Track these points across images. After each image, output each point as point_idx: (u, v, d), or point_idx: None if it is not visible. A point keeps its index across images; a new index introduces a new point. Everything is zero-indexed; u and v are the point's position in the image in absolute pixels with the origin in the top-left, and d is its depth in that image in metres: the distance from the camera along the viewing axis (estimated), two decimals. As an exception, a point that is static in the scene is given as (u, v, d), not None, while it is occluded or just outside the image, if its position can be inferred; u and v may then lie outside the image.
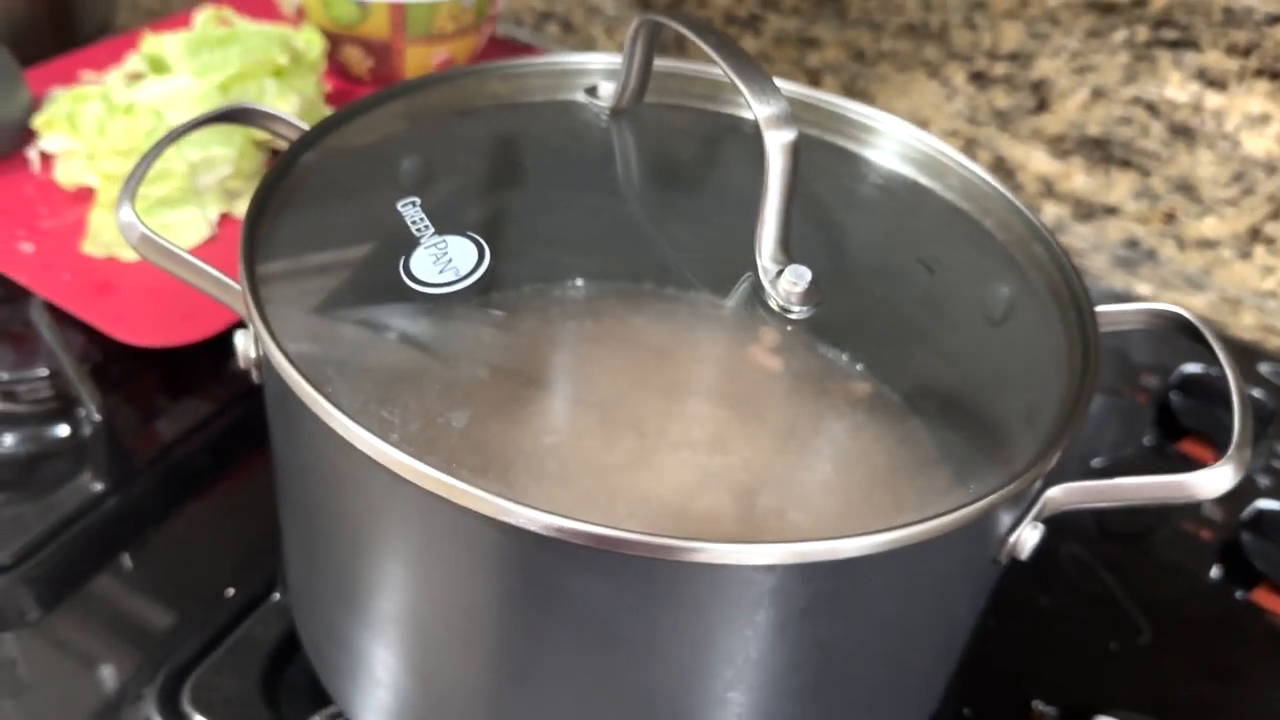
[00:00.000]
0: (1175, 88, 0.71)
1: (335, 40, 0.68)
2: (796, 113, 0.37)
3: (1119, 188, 0.76)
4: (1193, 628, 0.53)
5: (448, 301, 0.33)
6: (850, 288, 0.44)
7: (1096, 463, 0.61)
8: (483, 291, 0.35)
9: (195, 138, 0.56)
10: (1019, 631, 0.51)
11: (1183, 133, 0.72)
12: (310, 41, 0.65)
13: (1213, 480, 0.33)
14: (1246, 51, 0.68)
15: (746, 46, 0.81)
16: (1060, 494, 0.33)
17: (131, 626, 0.47)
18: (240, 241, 0.33)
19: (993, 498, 0.29)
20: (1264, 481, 0.61)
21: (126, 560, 0.49)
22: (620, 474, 0.42)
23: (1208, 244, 0.75)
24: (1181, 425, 0.63)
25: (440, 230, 0.34)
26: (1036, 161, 0.77)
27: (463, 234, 0.34)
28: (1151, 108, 0.72)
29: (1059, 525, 0.56)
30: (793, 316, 0.33)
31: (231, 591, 0.48)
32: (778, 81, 0.39)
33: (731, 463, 0.43)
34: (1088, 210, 0.77)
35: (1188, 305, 0.73)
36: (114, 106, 0.58)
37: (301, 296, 0.33)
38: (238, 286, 0.33)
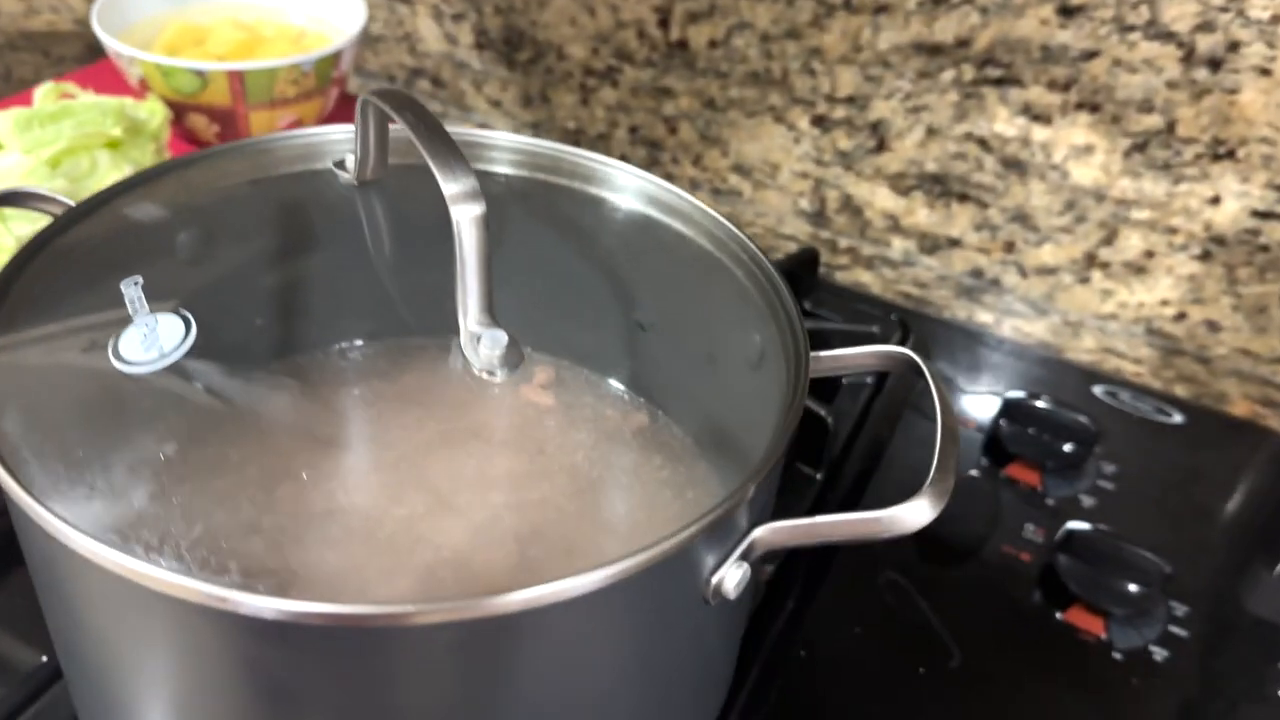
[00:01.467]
0: (1003, 123, 0.73)
1: (179, 109, 0.70)
2: (542, 163, 0.39)
3: (960, 220, 0.78)
4: (1006, 649, 0.55)
5: (151, 378, 0.35)
6: (622, 336, 0.46)
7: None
8: (226, 363, 0.37)
9: (19, 212, 0.58)
10: (828, 661, 0.53)
11: (1014, 165, 0.75)
12: (153, 111, 0.67)
13: (911, 514, 0.34)
14: (1066, 86, 0.71)
15: (605, 97, 0.84)
16: (766, 534, 0.35)
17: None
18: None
19: (675, 540, 0.31)
20: (1088, 502, 0.63)
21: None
22: (400, 535, 0.43)
23: (1048, 270, 0.77)
24: (1008, 451, 0.65)
25: (156, 308, 0.36)
26: (881, 199, 0.80)
27: (174, 311, 0.36)
28: (983, 143, 0.75)
29: (877, 553, 0.58)
30: (496, 379, 0.35)
31: (45, 659, 0.49)
32: (511, 136, 0.42)
33: (517, 515, 0.45)
34: (933, 243, 0.80)
35: (1029, 331, 0.75)
36: (-54, 185, 0.59)
37: (19, 381, 0.35)
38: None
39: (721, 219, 0.43)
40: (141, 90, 0.71)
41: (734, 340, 0.45)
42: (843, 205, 0.81)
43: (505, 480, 0.46)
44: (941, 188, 0.77)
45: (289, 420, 0.44)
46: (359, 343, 0.45)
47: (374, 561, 0.42)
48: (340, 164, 0.42)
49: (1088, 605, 0.57)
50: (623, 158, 0.43)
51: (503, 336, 0.34)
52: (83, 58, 0.93)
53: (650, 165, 0.86)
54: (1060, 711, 0.52)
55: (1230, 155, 0.68)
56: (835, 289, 0.77)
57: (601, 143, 0.88)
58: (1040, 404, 0.67)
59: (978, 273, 0.79)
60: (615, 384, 0.47)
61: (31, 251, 0.38)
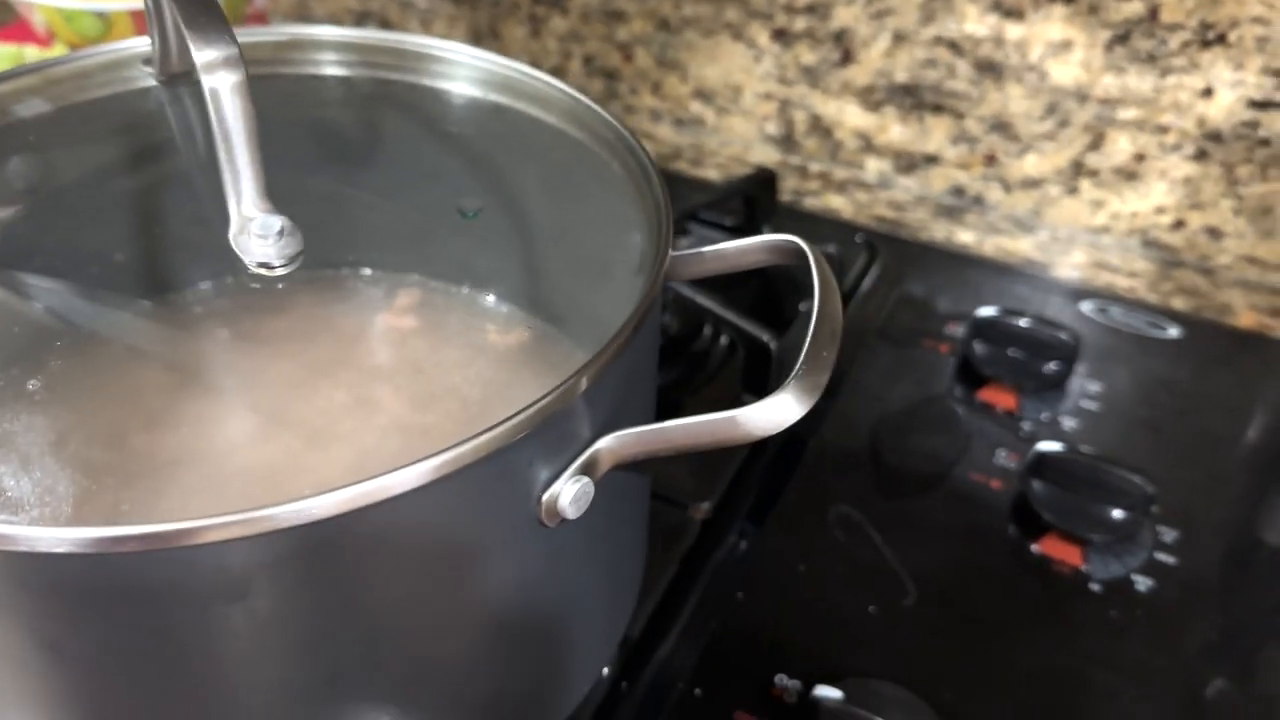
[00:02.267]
0: (974, 22, 0.68)
1: (89, 56, 0.66)
2: (374, 58, 0.35)
3: (935, 134, 0.72)
4: (969, 584, 0.50)
5: None
6: (482, 239, 0.41)
7: (894, 417, 0.58)
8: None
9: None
10: (771, 603, 0.48)
11: (989, 69, 0.69)
12: (59, 59, 0.63)
13: (768, 413, 0.29)
14: (1038, -24, 0.65)
15: (555, 26, 0.79)
16: (612, 443, 0.30)
17: None
18: None
19: (472, 444, 0.26)
20: (1070, 424, 0.58)
21: None
22: (235, 468, 0.39)
23: (1032, 183, 0.71)
24: (982, 374, 0.59)
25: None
26: (851, 116, 0.74)
27: None
28: (954, 46, 0.69)
29: (830, 484, 0.53)
30: (275, 272, 0.30)
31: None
32: (345, 31, 0.37)
33: (381, 444, 0.41)
34: (909, 162, 0.74)
35: (1012, 249, 0.69)
36: None
37: None
38: None
39: (587, 102, 0.38)
40: (48, 39, 0.68)
41: (617, 243, 0.40)
42: (811, 127, 0.76)
43: (382, 410, 0.42)
44: (914, 99, 0.72)
45: (139, 355, 0.40)
46: (219, 279, 0.41)
47: (224, 507, 0.38)
48: (148, 61, 0.38)
49: (1062, 533, 0.52)
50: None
51: (277, 221, 0.29)
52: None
53: (608, 97, 0.81)
54: (1029, 649, 0.47)
55: (1221, 40, 0.62)
56: (800, 214, 0.72)
57: (556, 76, 0.83)
58: (1016, 321, 0.61)
59: (959, 190, 0.74)
60: (497, 300, 0.43)
61: None
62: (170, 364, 0.43)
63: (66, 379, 0.40)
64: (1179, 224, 0.69)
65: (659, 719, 0.43)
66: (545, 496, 0.30)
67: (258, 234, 0.29)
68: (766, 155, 0.78)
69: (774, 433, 0.30)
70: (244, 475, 0.40)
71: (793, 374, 0.30)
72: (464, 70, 0.38)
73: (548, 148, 0.38)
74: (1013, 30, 0.67)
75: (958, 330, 0.63)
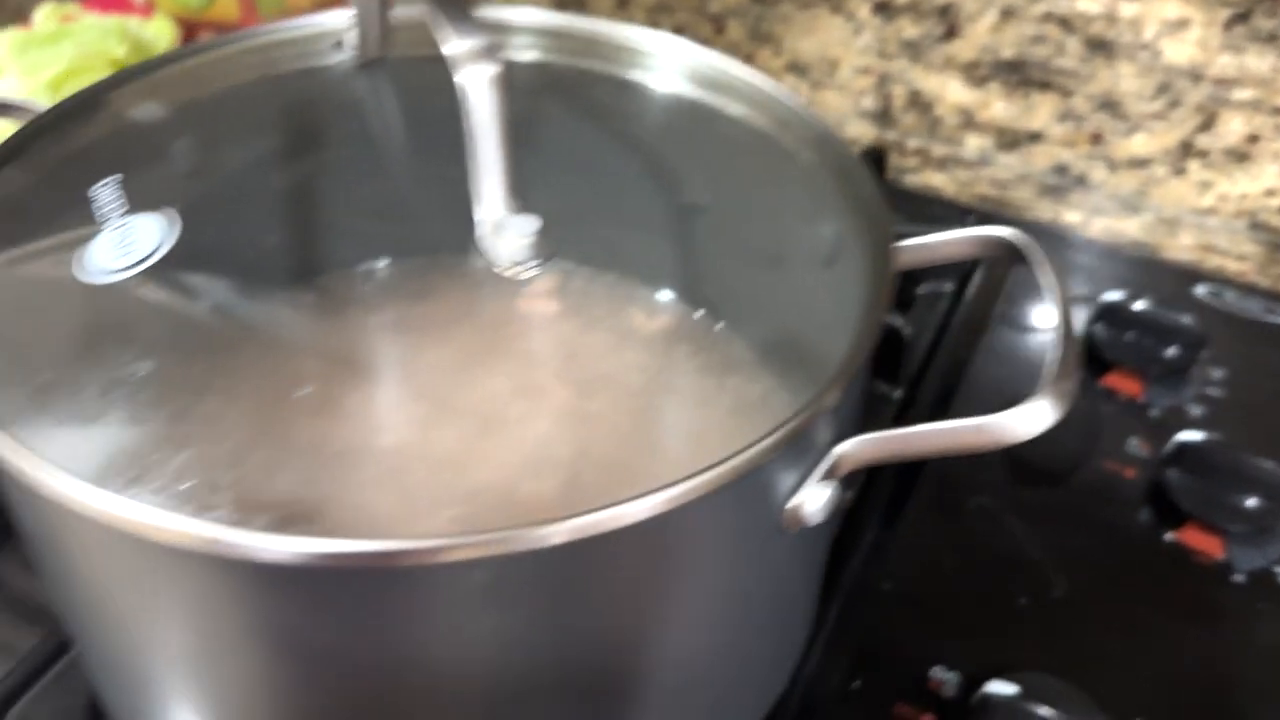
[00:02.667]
0: (1088, 0, 0.66)
1: (189, 27, 0.65)
2: (562, 44, 0.34)
3: (1040, 112, 0.71)
4: (1114, 576, 0.49)
5: (118, 290, 0.30)
6: (671, 236, 0.40)
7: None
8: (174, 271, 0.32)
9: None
10: (920, 595, 0.48)
11: (1100, 46, 0.68)
12: (160, 31, 0.62)
13: (1024, 420, 0.29)
14: (1158, -47, 0.64)
15: (644, -2, 0.77)
16: (853, 448, 0.30)
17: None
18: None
19: (741, 459, 0.26)
20: (1196, 411, 0.57)
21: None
22: (443, 465, 0.39)
23: (1139, 163, 0.70)
24: (1105, 359, 0.59)
25: (135, 210, 0.31)
26: (953, 92, 0.73)
27: (156, 210, 0.31)
28: (1065, 22, 0.68)
29: (966, 475, 0.53)
30: (523, 273, 0.29)
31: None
32: (539, 14, 0.36)
33: (563, 439, 0.40)
34: (1011, 139, 0.73)
35: (1120, 229, 0.68)
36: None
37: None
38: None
39: (787, 95, 0.37)
40: (147, 9, 0.66)
41: (802, 235, 0.39)
42: (910, 102, 0.75)
43: (546, 396, 0.41)
44: (1020, 76, 0.70)
45: (303, 344, 0.39)
46: (380, 263, 0.40)
47: (406, 497, 0.38)
48: (339, 44, 0.37)
49: (1202, 523, 0.51)
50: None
51: (531, 222, 0.28)
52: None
53: (698, 71, 0.79)
54: (1181, 641, 0.46)
55: (1348, 20, 0.61)
56: (904, 193, 0.71)
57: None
58: (1138, 306, 0.60)
59: (1061, 169, 0.73)
60: (666, 291, 0.42)
61: (2, 160, 0.33)
62: (326, 352, 0.42)
63: (228, 372, 0.39)
64: (1290, 206, 0.68)
65: (823, 710, 0.43)
66: (789, 505, 0.29)
67: (515, 233, 0.28)
68: (862, 130, 0.77)
69: (1026, 440, 0.29)
70: (421, 463, 0.39)
71: (1046, 380, 0.29)
72: (640, 57, 0.37)
73: (738, 141, 0.37)
74: (1127, 8, 0.66)
75: (1072, 314, 0.62)
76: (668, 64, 0.38)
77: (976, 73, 0.72)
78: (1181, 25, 0.65)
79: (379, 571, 0.25)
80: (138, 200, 0.31)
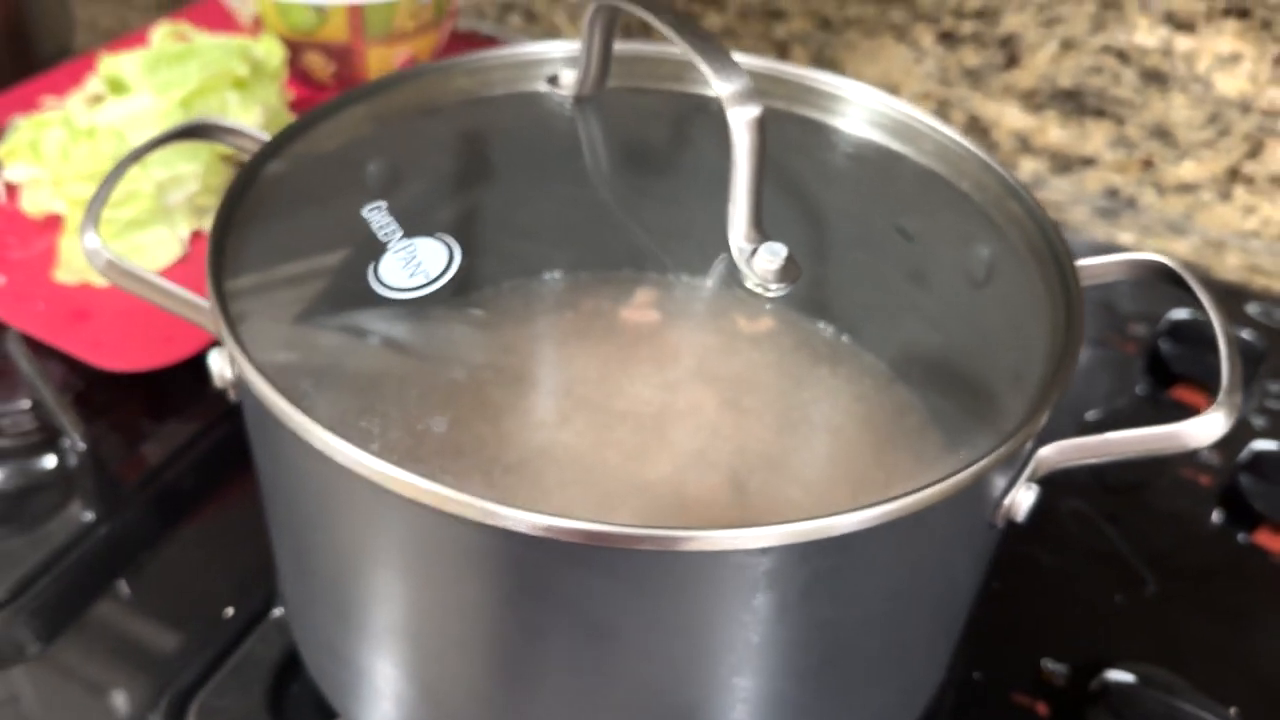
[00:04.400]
0: (1144, 33, 0.70)
1: (296, 48, 0.67)
2: (761, 87, 0.36)
3: (1094, 138, 0.75)
4: (1197, 574, 0.53)
5: (423, 304, 0.33)
6: (831, 260, 0.43)
7: (1090, 416, 0.61)
8: (458, 292, 0.35)
9: (159, 156, 0.56)
10: (1024, 592, 0.51)
11: (1154, 78, 0.72)
12: (270, 50, 0.65)
13: (1205, 428, 0.32)
14: (1213, -9, 0.68)
15: (711, 22, 0.81)
16: (1053, 453, 0.33)
17: (133, 652, 0.46)
18: (206, 259, 0.33)
19: (984, 462, 0.29)
20: (1259, 422, 0.61)
21: (123, 587, 0.49)
22: (614, 466, 0.42)
23: (1187, 188, 0.74)
24: (1173, 372, 0.63)
25: (408, 233, 0.34)
26: (1010, 118, 0.77)
27: (431, 235, 0.34)
28: (1122, 55, 0.72)
29: (1058, 482, 0.56)
30: (771, 294, 0.33)
31: (231, 611, 0.48)
32: (740, 57, 0.39)
33: (724, 445, 0.43)
34: (1065, 163, 0.77)
35: (1170, 251, 0.72)
36: (76, 131, 0.57)
37: (274, 310, 0.33)
38: (207, 305, 0.32)
39: (945, 127, 0.40)
40: (256, 30, 0.69)
41: (949, 255, 0.42)
42: (969, 126, 0.78)
43: (694, 403, 0.44)
44: (1075, 104, 0.75)
45: (474, 353, 0.42)
46: (556, 274, 0.43)
47: (588, 493, 0.41)
48: (554, 79, 0.40)
49: (1275, 525, 0.55)
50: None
51: (781, 249, 0.32)
52: (164, 4, 0.91)
53: (761, 93, 0.83)
54: (1263, 635, 0.50)
55: (1392, 58, 0.65)
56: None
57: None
58: (1203, 322, 0.64)
59: (1112, 192, 0.77)
60: (796, 307, 0.45)
61: (244, 184, 0.36)
62: (487, 362, 0.45)
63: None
64: (1329, 230, 0.72)
65: (949, 697, 0.46)
66: (1005, 504, 0.32)
67: (765, 257, 0.31)
68: (919, 153, 0.80)
69: (1206, 445, 0.33)
70: (598, 463, 0.42)
71: (1222, 393, 0.33)
72: (858, 110, 0.41)
73: (926, 191, 0.40)
74: (1182, 42, 0.70)
75: (1139, 329, 0.66)
76: (858, 108, 0.41)
77: (1034, 100, 0.76)
78: (1234, 60, 0.69)
79: (663, 555, 0.28)
80: (395, 216, 0.34)
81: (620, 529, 0.27)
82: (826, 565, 0.30)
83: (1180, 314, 0.65)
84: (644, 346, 0.44)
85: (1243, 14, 0.68)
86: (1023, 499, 0.32)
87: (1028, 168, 0.78)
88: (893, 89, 0.78)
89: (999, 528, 0.33)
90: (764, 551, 0.28)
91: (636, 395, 0.43)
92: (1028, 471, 0.33)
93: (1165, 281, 0.38)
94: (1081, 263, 0.38)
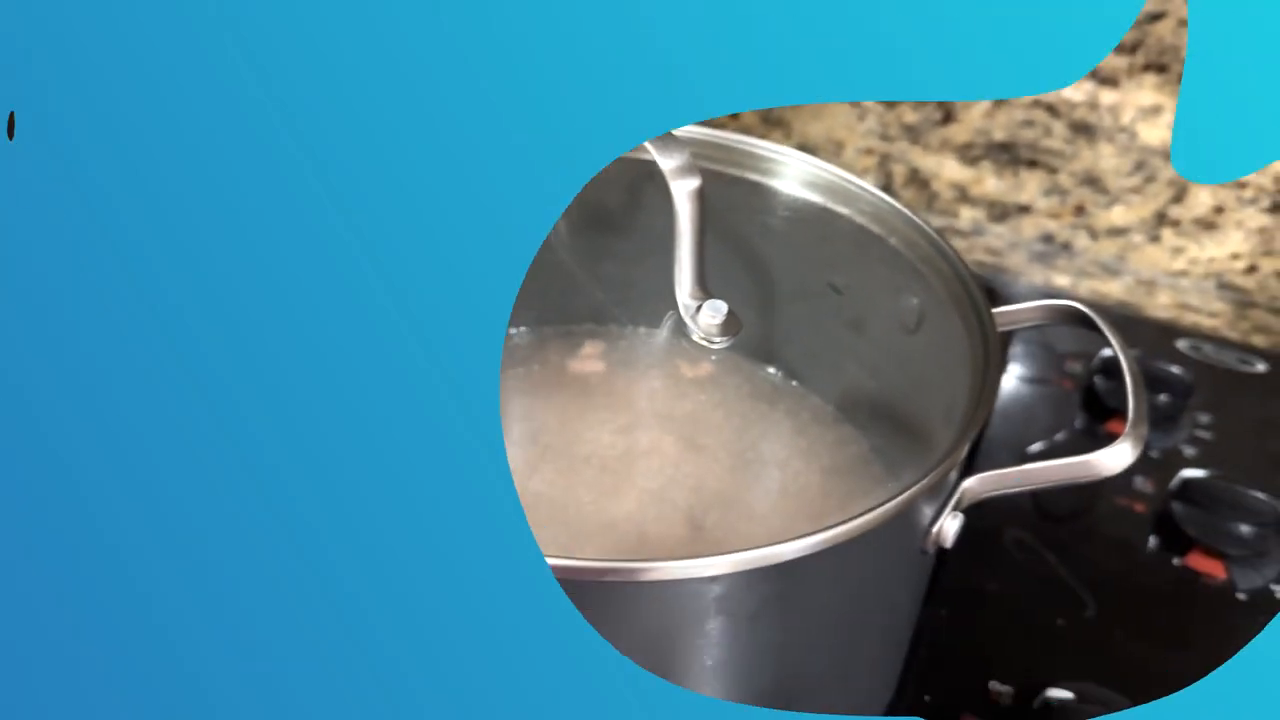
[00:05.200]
0: (1071, 88, 0.75)
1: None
2: (705, 152, 0.40)
3: (1029, 187, 0.79)
4: (1134, 597, 0.56)
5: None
6: (776, 311, 0.47)
7: (1033, 448, 0.65)
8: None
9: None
10: (971, 618, 0.54)
11: (1083, 129, 0.76)
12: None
13: (1114, 458, 0.36)
14: (1133, 49, 0.72)
15: (664, 86, 0.85)
16: (975, 483, 0.36)
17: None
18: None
19: (911, 491, 0.32)
20: (1189, 452, 0.65)
21: None
22: (582, 508, 0.45)
23: (1118, 231, 0.79)
24: (1107, 406, 0.66)
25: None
26: (949, 170, 0.81)
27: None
28: (1051, 109, 0.76)
29: (1003, 511, 0.60)
30: (715, 347, 0.36)
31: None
32: (686, 127, 0.43)
33: (682, 485, 0.46)
34: (1002, 211, 0.81)
35: (1105, 291, 0.77)
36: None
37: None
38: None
39: (873, 189, 0.44)
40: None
41: (884, 305, 0.46)
42: (909, 178, 0.83)
43: (663, 451, 0.47)
44: (1010, 155, 0.79)
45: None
46: (518, 329, 0.46)
47: (566, 532, 0.44)
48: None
49: (1206, 549, 0.58)
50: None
51: (722, 306, 0.35)
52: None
53: (714, 151, 0.87)
54: (1199, 651, 0.54)
55: (1299, 107, 0.70)
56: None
57: (664, 132, 0.89)
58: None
59: (1048, 238, 0.81)
60: (743, 354, 0.49)
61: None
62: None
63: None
64: (1252, 269, 0.77)
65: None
66: (934, 531, 0.36)
67: (708, 314, 0.35)
68: (866, 205, 0.85)
69: (1115, 474, 0.36)
70: (567, 504, 0.45)
71: (1128, 425, 0.36)
72: (796, 172, 0.44)
73: (860, 247, 0.44)
74: (1107, 96, 0.74)
75: (1077, 366, 0.70)
76: (795, 171, 0.44)
77: (970, 153, 0.80)
78: (1155, 111, 0.74)
79: (626, 586, 0.31)
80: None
81: (587, 563, 0.30)
82: (772, 591, 0.33)
83: (1109, 352, 0.69)
84: (607, 397, 0.47)
85: (1161, 69, 0.72)
86: (949, 526, 0.36)
87: (967, 216, 0.82)
88: (838, 145, 0.82)
89: (930, 554, 0.36)
90: (714, 579, 0.31)
91: (601, 443, 0.46)
92: (953, 501, 0.36)
93: (1076, 324, 0.42)
94: (999, 310, 0.42)
